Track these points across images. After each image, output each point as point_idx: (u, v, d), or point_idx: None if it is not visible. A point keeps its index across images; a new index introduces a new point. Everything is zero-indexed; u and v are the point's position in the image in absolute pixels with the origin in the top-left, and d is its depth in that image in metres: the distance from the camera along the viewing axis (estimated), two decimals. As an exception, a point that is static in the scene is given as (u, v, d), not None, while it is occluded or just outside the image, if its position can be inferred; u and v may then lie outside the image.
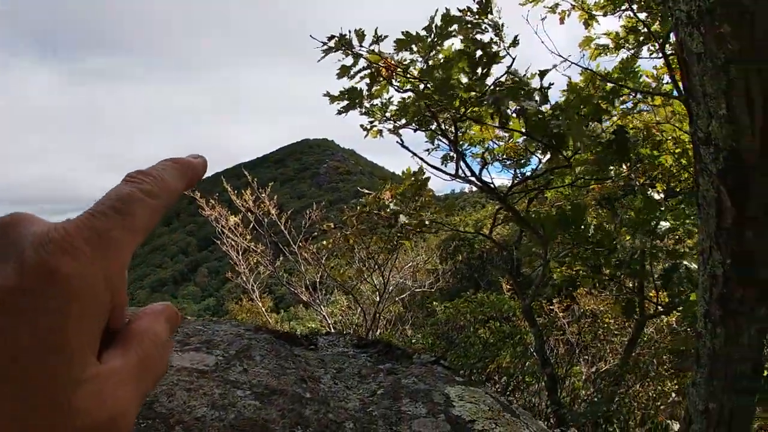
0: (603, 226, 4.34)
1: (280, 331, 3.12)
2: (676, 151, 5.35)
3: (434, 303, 6.61)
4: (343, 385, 2.54)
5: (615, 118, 5.12)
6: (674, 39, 1.86)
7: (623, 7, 4.90)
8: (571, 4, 4.99)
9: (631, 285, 4.86)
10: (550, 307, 6.50)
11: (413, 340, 6.19)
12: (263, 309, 9.04)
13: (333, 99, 4.12)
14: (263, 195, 7.67)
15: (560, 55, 4.68)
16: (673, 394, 5.43)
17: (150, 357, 0.39)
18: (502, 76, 3.73)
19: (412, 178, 4.62)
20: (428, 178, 4.65)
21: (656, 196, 4.17)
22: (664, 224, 4.00)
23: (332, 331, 7.60)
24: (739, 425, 2.05)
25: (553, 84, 3.69)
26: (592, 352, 6.74)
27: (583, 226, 4.12)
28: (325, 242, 7.01)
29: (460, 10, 3.74)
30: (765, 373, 2.10)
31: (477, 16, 3.73)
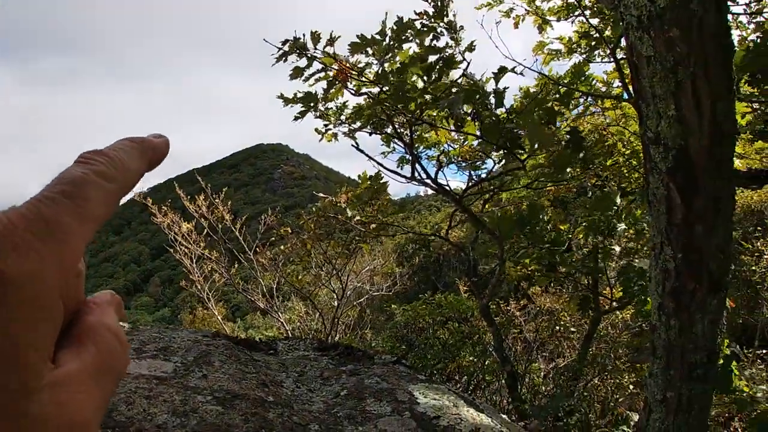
0: (557, 225, 4.42)
1: (239, 338, 3.06)
2: (626, 152, 5.49)
3: (393, 306, 6.60)
4: (305, 388, 2.50)
5: (568, 121, 5.23)
6: (625, 43, 1.90)
7: (576, 13, 5.01)
8: (526, 9, 5.07)
9: (585, 282, 4.97)
10: (507, 306, 6.59)
11: (373, 344, 6.17)
12: (219, 318, 8.86)
13: (287, 102, 4.06)
14: (217, 201, 7.52)
15: (514, 60, 4.75)
16: (631, 387, 5.58)
17: (110, 353, 0.35)
18: (457, 79, 3.75)
19: (369, 182, 4.60)
20: (386, 182, 4.65)
21: (613, 188, 4.26)
22: (620, 225, 4.10)
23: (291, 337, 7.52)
24: (697, 412, 2.11)
25: (508, 87, 3.74)
26: (550, 349, 6.86)
27: (539, 226, 4.18)
28: (282, 247, 6.93)
29: (416, 13, 3.74)
30: (719, 362, 2.17)
31: (432, 20, 3.73)
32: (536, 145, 3.73)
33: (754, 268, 9.80)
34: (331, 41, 3.82)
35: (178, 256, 7.80)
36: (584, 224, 4.20)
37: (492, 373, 5.54)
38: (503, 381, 4.99)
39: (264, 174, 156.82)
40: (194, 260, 7.79)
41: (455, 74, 3.92)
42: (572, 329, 6.30)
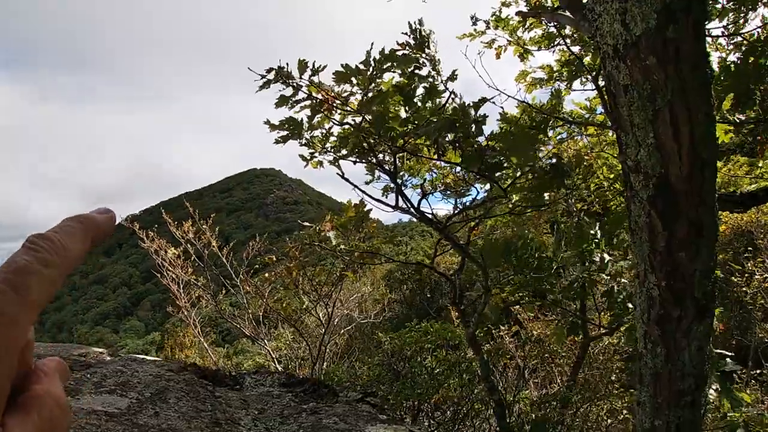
0: (542, 253, 4.43)
1: (207, 370, 3.03)
2: (610, 176, 5.54)
3: (380, 334, 6.55)
4: (263, 427, 2.48)
5: (550, 147, 5.27)
6: (602, 72, 1.92)
7: (557, 42, 5.08)
8: (507, 40, 5.14)
9: (573, 307, 4.97)
10: (499, 332, 6.55)
11: (359, 372, 6.11)
12: (206, 344, 8.77)
13: (273, 128, 4.08)
14: (204, 227, 7.50)
15: (496, 89, 4.80)
16: (625, 411, 5.55)
17: (51, 421, 0.39)
18: (439, 108, 3.78)
19: (353, 210, 4.61)
20: (370, 210, 4.65)
21: (587, 221, 4.29)
22: (605, 256, 4.11)
23: (278, 366, 7.45)
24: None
25: (487, 116, 3.76)
26: (541, 375, 6.82)
27: (525, 253, 4.19)
28: (267, 275, 6.90)
29: (398, 44, 3.79)
30: (707, 388, 2.16)
31: (414, 51, 3.78)
32: (519, 168, 3.76)
33: (744, 289, 9.83)
34: (315, 71, 3.86)
35: (165, 281, 7.75)
36: (567, 254, 4.21)
37: (481, 402, 5.49)
38: (492, 410, 4.95)
39: (257, 199, 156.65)
40: (181, 286, 7.74)
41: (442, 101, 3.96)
42: (563, 354, 6.28)
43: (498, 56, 5.20)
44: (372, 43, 3.74)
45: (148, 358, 3.60)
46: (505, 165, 3.78)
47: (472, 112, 3.66)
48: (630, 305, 4.22)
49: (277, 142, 4.07)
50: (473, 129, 3.61)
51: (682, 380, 2.03)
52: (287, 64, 3.90)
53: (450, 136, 3.72)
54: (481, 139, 3.73)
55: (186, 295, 7.83)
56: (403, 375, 5.47)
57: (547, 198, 4.09)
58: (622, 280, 4.40)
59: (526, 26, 5.12)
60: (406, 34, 3.82)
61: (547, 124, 4.14)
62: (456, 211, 4.48)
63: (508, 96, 4.93)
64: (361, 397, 2.86)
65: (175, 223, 7.57)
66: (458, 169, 4.35)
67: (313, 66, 3.83)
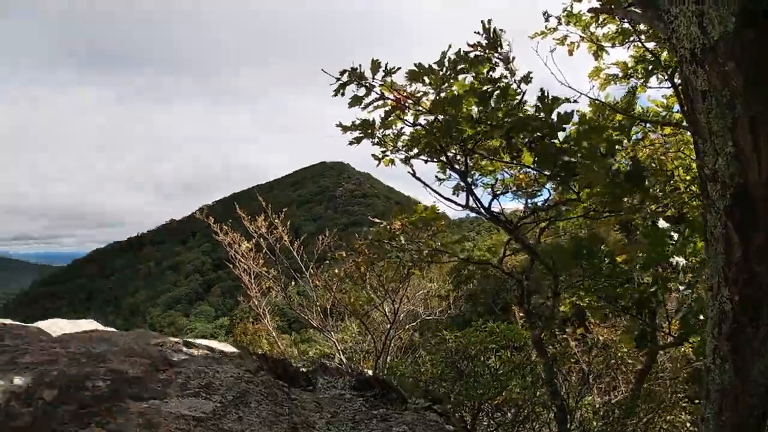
0: (615, 257, 4.32)
1: (282, 369, 3.13)
2: (687, 178, 5.35)
3: (444, 332, 6.56)
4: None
5: (627, 149, 5.13)
6: (679, 76, 1.86)
7: (631, 38, 4.94)
8: (580, 36, 5.04)
9: (643, 314, 4.83)
10: (564, 335, 6.44)
11: (422, 369, 6.15)
12: (274, 334, 9.08)
13: (345, 129, 4.18)
14: (276, 221, 7.74)
15: (570, 87, 4.72)
16: (688, 425, 5.35)
17: None
18: (512, 109, 3.76)
19: (423, 213, 4.65)
20: (441, 213, 4.68)
21: (662, 224, 4.14)
22: (681, 261, 3.97)
23: (342, 358, 7.61)
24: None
25: (570, 114, 3.70)
26: (605, 381, 6.64)
27: (596, 258, 4.10)
28: (336, 270, 7.05)
29: (469, 45, 3.80)
30: None
31: (486, 51, 3.78)
32: (594, 172, 3.68)
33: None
34: (389, 72, 3.92)
35: (237, 271, 8.06)
36: (641, 260, 4.09)
37: (542, 405, 5.42)
38: (553, 414, 4.89)
39: (326, 191, 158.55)
40: (252, 277, 8.03)
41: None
42: (629, 361, 6.10)
43: (571, 53, 5.11)
44: (450, 45, 3.78)
45: (227, 349, 3.75)
46: (580, 168, 3.70)
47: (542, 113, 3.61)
48: (702, 317, 4.06)
49: (351, 143, 4.16)
50: (548, 131, 3.57)
51: (749, 399, 1.97)
52: (360, 65, 3.99)
53: (524, 137, 3.69)
54: (556, 140, 3.68)
55: (257, 285, 8.12)
56: (466, 374, 5.48)
57: (623, 203, 3.98)
58: (699, 289, 4.25)
59: (599, 22, 5.01)
60: (478, 33, 3.82)
61: (630, 126, 4.03)
62: (527, 213, 4.44)
63: (581, 93, 4.84)
64: (428, 405, 2.91)
65: (249, 218, 7.85)
66: (530, 169, 4.31)
67: (386, 67, 3.89)
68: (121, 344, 2.91)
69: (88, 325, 6.20)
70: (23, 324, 4.37)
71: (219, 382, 2.62)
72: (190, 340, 3.76)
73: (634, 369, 6.07)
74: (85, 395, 2.05)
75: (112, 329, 6.34)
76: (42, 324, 5.73)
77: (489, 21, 3.80)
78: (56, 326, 5.57)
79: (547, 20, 5.04)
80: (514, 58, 3.81)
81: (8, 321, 5.34)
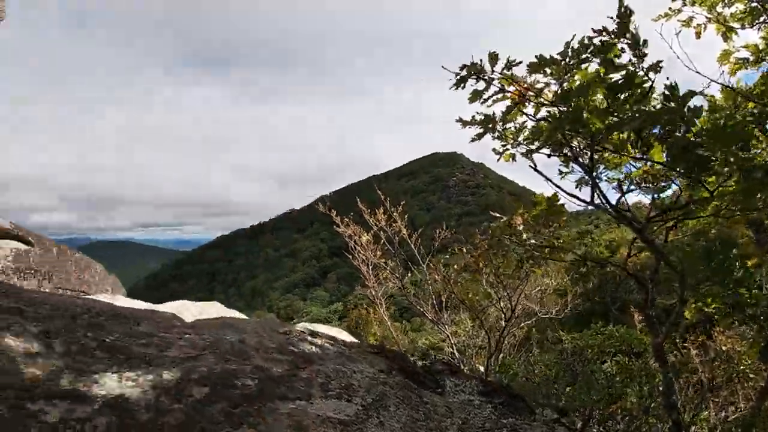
0: (746, 261, 3.96)
1: (411, 369, 3.16)
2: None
3: (561, 332, 6.35)
4: None
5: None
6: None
7: (761, 18, 4.49)
8: (707, 17, 4.65)
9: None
10: (684, 344, 6.01)
11: (536, 369, 5.98)
12: (389, 323, 9.29)
13: (464, 124, 4.16)
14: (395, 214, 7.89)
15: (698, 72, 4.36)
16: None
17: None
18: (641, 100, 3.55)
19: (545, 204, 4.53)
20: (563, 205, 4.53)
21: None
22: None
23: (454, 351, 7.62)
24: None
25: (702, 107, 3.45)
26: (723, 395, 6.12)
27: (729, 262, 3.78)
28: (455, 265, 7.06)
29: (594, 30, 3.63)
30: None
31: (612, 36, 3.58)
32: (728, 167, 3.39)
33: None
34: (509, 64, 3.84)
35: (356, 262, 8.31)
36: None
37: (656, 417, 5.08)
38: (667, 427, 4.58)
39: (439, 182, 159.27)
40: (370, 267, 8.25)
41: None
42: (752, 375, 5.56)
43: (698, 35, 4.72)
44: (574, 35, 3.64)
45: (346, 337, 3.88)
46: (714, 162, 3.42)
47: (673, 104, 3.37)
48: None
49: (473, 140, 4.14)
50: (682, 124, 3.33)
51: None
52: (480, 60, 3.94)
53: (655, 130, 3.48)
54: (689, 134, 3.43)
55: (374, 275, 8.34)
56: (580, 378, 5.27)
57: (760, 201, 3.64)
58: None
59: (726, 1, 4.58)
60: (610, 18, 3.62)
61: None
62: (656, 212, 4.18)
63: (711, 80, 4.46)
64: (557, 417, 2.85)
65: (369, 211, 8.08)
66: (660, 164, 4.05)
67: (507, 60, 3.82)
68: (249, 329, 3.07)
69: (212, 307, 6.67)
70: (155, 309, 4.71)
71: (357, 383, 2.67)
72: (311, 328, 3.89)
73: (756, 384, 5.57)
74: (235, 393, 2.14)
75: (235, 311, 6.77)
76: (172, 305, 6.21)
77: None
78: (184, 308, 6.03)
79: (673, 0, 4.70)
80: (645, 41, 3.58)
81: (142, 303, 5.83)
